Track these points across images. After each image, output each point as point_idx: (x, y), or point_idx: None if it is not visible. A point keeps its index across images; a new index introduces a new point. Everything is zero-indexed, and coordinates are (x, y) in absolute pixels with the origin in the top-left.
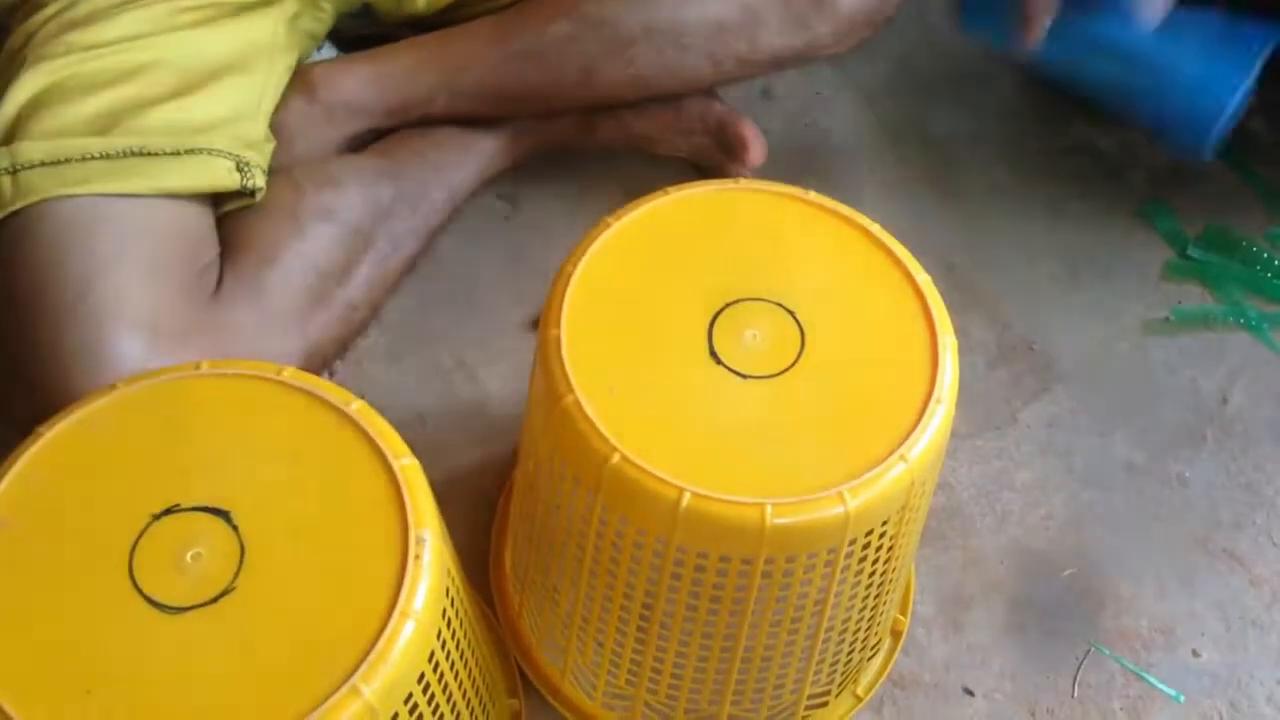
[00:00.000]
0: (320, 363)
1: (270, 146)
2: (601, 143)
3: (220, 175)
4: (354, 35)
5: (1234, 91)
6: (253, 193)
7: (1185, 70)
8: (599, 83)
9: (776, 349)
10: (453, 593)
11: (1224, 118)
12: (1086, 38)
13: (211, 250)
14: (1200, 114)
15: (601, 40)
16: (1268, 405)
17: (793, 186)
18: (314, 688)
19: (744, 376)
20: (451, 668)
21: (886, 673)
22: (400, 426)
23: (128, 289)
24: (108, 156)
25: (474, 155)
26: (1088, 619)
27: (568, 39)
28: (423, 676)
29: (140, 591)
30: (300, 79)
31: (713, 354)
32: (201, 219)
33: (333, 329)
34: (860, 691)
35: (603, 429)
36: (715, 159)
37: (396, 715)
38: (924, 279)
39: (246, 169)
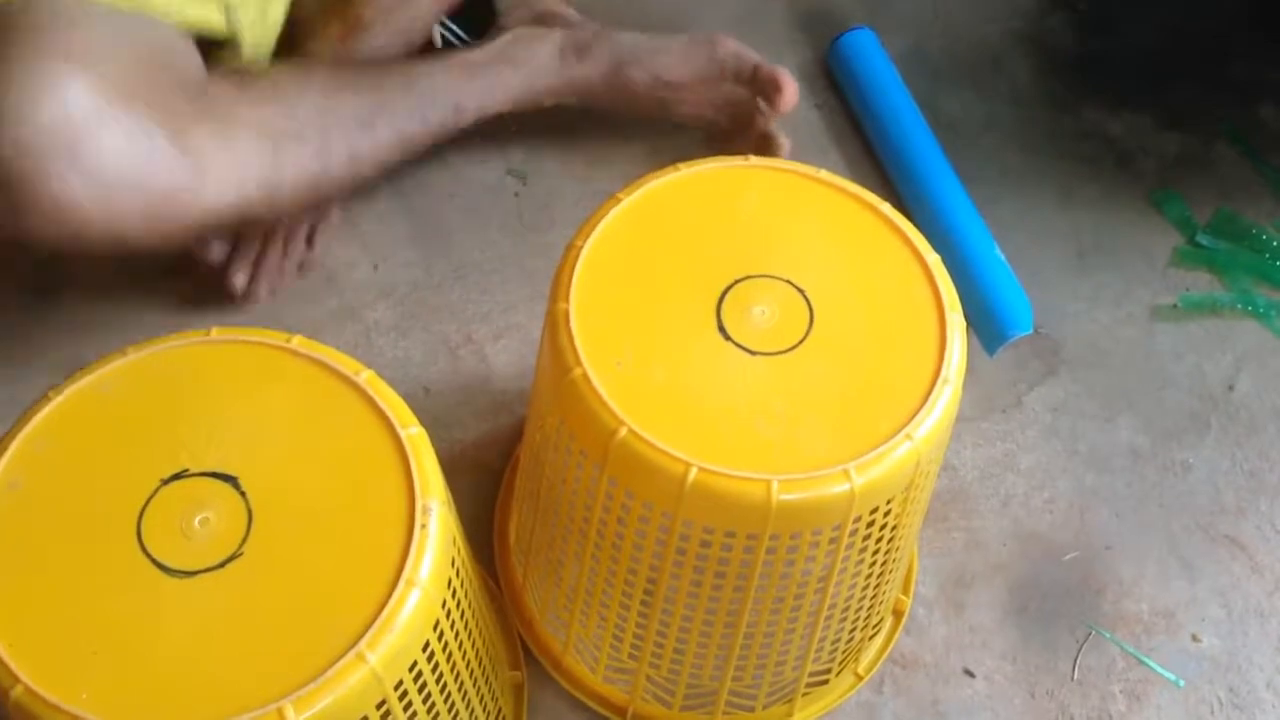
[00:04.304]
0: (269, 206)
1: (274, 32)
2: (629, 92)
3: (208, 12)
4: None
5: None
6: (238, 45)
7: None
8: None
9: (785, 326)
10: (458, 563)
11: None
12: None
13: (192, 75)
14: (987, 333)
15: None
16: (1273, 393)
17: (803, 164)
18: (319, 654)
19: (752, 353)
20: (456, 637)
21: (887, 652)
22: (407, 400)
23: (91, 48)
24: None
25: (509, 74)
26: (1089, 602)
27: None
28: (427, 645)
29: (148, 555)
30: None
31: (721, 330)
32: (186, 49)
33: (303, 169)
34: (861, 670)
35: (610, 402)
36: (733, 121)
37: (401, 683)
38: (934, 259)
39: (233, 12)
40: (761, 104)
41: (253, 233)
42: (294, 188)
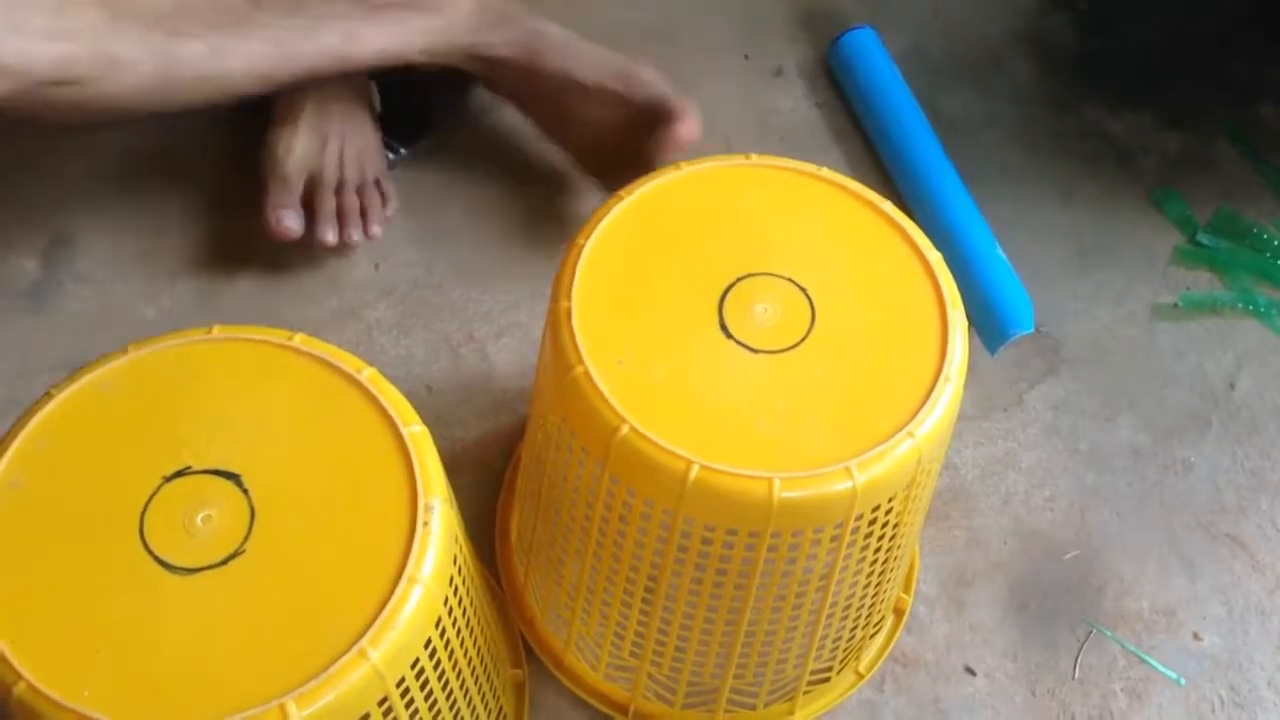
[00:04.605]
0: (100, 81)
1: None
2: (535, 77)
3: None
4: None
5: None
6: None
7: (985, 293)
8: None
9: (787, 324)
10: (460, 561)
11: (1007, 341)
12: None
13: None
14: (988, 331)
15: None
16: (1274, 392)
17: (805, 163)
18: (322, 650)
19: (754, 351)
20: (458, 635)
21: (889, 650)
22: (408, 398)
23: None
24: None
25: (420, 19)
26: (1090, 601)
27: None
28: (429, 643)
29: (151, 552)
30: None
31: (723, 328)
32: None
33: (147, 50)
34: (862, 669)
35: (612, 400)
36: (618, 156)
37: (403, 680)
38: (935, 257)
39: None
40: (659, 139)
41: (320, 195)
42: (133, 68)
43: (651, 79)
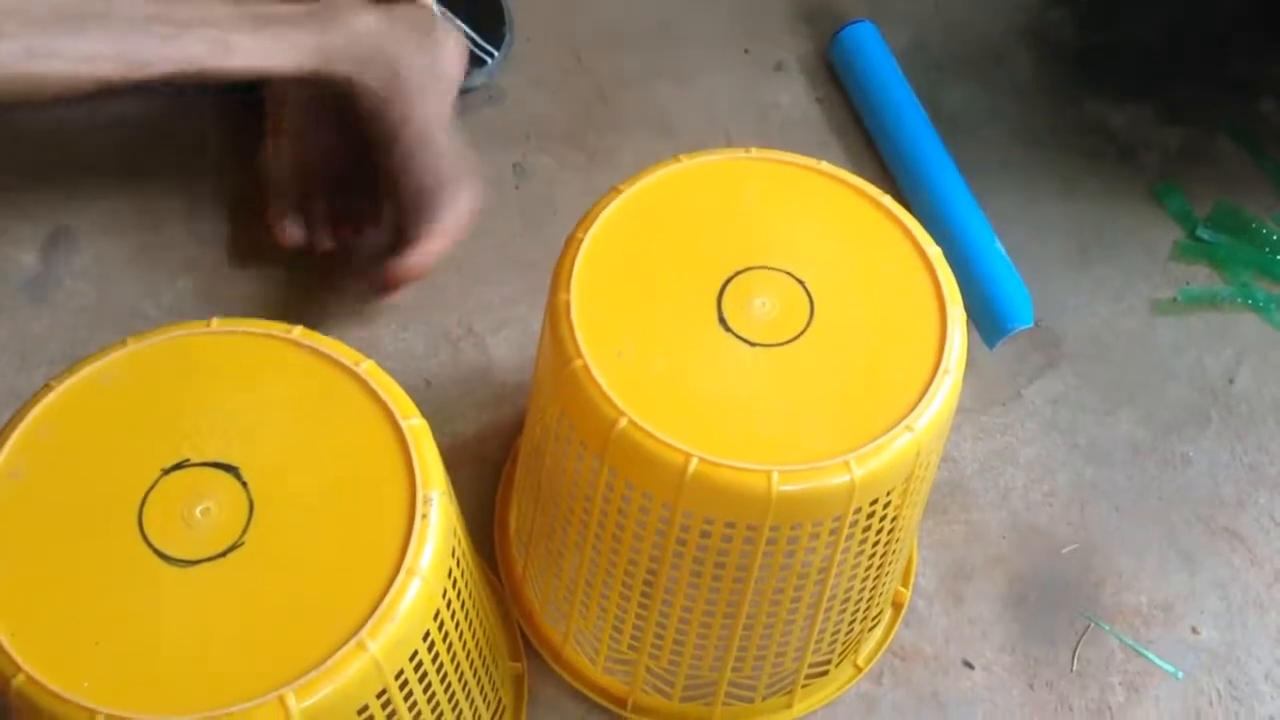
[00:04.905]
0: None
1: None
2: (377, 96)
3: None
4: None
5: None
6: None
7: (984, 289)
8: None
9: (785, 317)
10: (458, 553)
11: (1005, 336)
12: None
13: None
14: (987, 326)
15: None
16: (1273, 386)
17: (805, 157)
18: (321, 642)
19: (752, 344)
20: (456, 627)
21: (887, 644)
22: (407, 392)
23: None
24: None
25: (310, 37)
26: (1088, 594)
27: None
28: (428, 635)
29: (150, 545)
30: None
31: (722, 321)
32: None
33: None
34: (860, 662)
35: (611, 393)
36: (398, 216)
37: (402, 672)
38: (934, 251)
39: None
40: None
41: (315, 200)
42: None
43: (450, 215)
